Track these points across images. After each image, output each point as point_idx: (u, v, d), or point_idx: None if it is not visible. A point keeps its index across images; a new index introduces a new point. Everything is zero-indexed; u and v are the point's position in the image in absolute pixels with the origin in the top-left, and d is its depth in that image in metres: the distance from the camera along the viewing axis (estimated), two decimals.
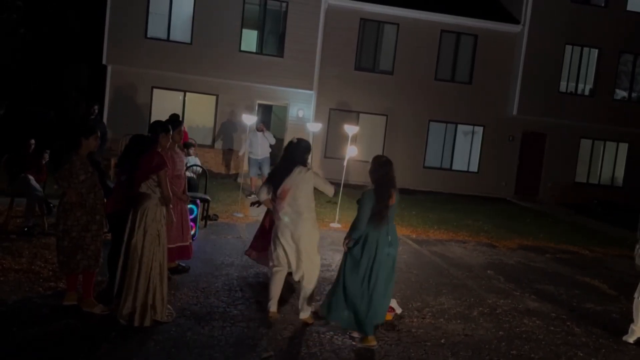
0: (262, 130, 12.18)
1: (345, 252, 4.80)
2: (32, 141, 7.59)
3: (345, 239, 4.79)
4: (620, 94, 18.29)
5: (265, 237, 5.79)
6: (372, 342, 4.67)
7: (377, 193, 4.62)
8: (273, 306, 4.98)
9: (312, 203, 4.93)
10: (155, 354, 4.07)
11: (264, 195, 5.04)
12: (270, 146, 12.39)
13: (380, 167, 4.71)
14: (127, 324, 4.45)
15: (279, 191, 4.85)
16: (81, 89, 22.14)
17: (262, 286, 5.89)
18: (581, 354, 5.03)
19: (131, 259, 4.51)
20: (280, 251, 4.92)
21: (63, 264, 4.71)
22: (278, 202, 4.88)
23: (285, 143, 6.82)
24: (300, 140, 5.02)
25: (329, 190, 5.03)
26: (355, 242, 4.68)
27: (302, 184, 4.82)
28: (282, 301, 5.51)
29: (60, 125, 15.70)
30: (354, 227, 4.73)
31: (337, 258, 7.48)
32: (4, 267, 5.59)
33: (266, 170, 12.12)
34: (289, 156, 4.94)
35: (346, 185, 11.26)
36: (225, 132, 16.03)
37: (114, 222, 5.11)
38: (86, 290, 4.78)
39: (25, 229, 6.95)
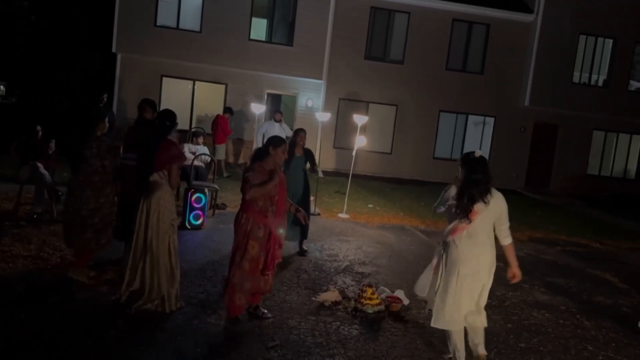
0: (280, 121, 11.75)
1: None
2: (39, 128, 7.59)
3: None
4: (635, 85, 18.01)
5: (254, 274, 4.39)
6: None
7: None
8: None
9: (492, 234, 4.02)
10: (161, 342, 4.07)
11: (454, 223, 4.01)
12: (286, 138, 12.12)
13: None
14: (127, 304, 4.54)
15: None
16: (93, 77, 22.23)
17: None
18: (591, 348, 4.98)
19: (142, 247, 4.53)
20: (464, 302, 3.96)
21: (90, 241, 4.93)
22: (456, 230, 4.02)
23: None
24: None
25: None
26: None
27: (493, 208, 3.91)
28: (289, 288, 5.50)
29: (75, 113, 15.78)
30: None
31: (344, 248, 7.46)
32: (13, 253, 5.61)
33: None
34: (487, 172, 3.87)
35: (355, 176, 11.19)
36: (234, 121, 16.01)
37: (121, 201, 5.40)
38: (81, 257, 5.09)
39: (35, 215, 6.98)
